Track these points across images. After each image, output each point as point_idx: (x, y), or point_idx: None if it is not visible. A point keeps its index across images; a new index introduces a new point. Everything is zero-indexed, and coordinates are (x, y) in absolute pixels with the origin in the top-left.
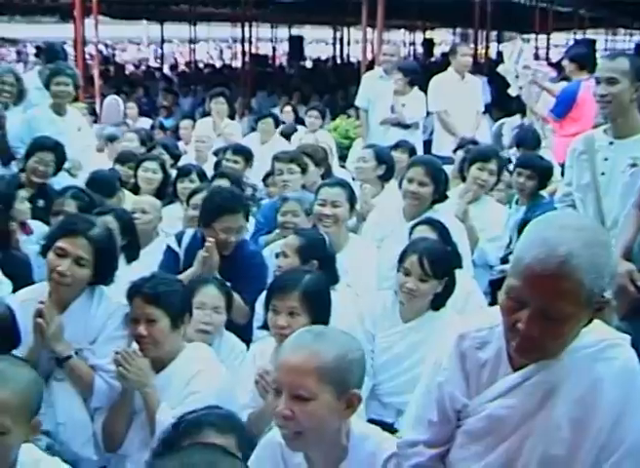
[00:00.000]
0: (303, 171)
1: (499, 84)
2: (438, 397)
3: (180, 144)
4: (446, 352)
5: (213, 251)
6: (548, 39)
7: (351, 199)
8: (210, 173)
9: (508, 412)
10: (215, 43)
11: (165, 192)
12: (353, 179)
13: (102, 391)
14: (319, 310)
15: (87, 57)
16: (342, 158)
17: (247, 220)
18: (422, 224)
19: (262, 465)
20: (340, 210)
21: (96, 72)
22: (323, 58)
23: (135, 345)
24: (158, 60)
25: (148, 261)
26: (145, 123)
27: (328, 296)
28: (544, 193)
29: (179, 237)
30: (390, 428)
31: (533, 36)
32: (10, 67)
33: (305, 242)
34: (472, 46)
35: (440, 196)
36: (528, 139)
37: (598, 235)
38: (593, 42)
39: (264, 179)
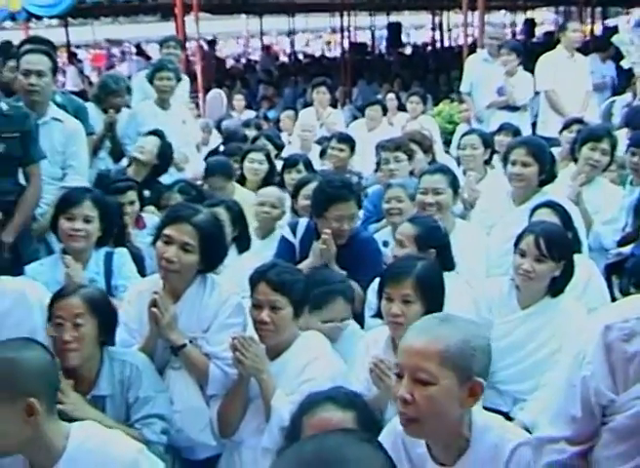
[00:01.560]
0: (410, 158)
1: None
2: (582, 391)
3: (283, 135)
4: (589, 343)
5: (330, 242)
6: None
7: (454, 185)
8: (315, 162)
9: None
10: (313, 34)
11: (271, 182)
12: (458, 164)
13: (218, 378)
14: (433, 297)
15: (189, 53)
16: (447, 143)
17: (359, 208)
18: (543, 207)
19: None
20: (443, 197)
21: (198, 68)
22: (421, 43)
23: (251, 331)
24: (259, 53)
25: (266, 253)
26: (250, 115)
27: (442, 283)
28: None
29: (293, 227)
30: (506, 416)
31: None
32: (122, 77)
33: (422, 230)
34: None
35: (547, 176)
36: (637, 119)
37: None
38: None
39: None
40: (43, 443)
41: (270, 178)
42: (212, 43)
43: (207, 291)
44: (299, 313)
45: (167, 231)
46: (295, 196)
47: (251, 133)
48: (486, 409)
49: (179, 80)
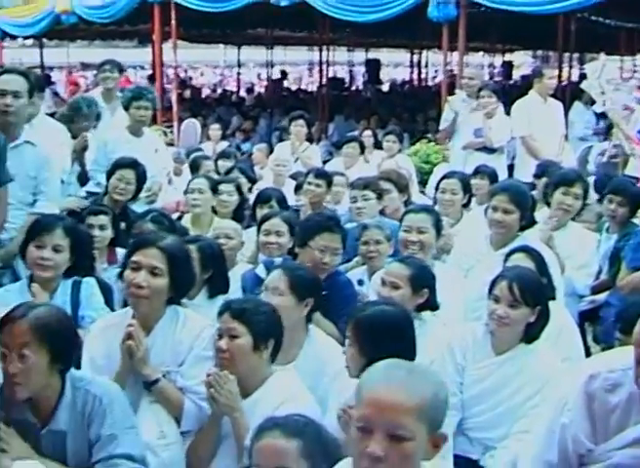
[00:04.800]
0: (380, 197)
1: None
2: (560, 438)
3: (255, 168)
4: (572, 391)
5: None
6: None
7: (437, 225)
8: (289, 196)
9: (637, 463)
10: (291, 66)
11: (242, 215)
12: (434, 205)
13: (192, 414)
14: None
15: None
16: (422, 183)
17: (344, 247)
18: (518, 252)
19: None
20: (426, 236)
21: (174, 96)
22: (399, 81)
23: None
24: (234, 84)
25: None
26: (224, 146)
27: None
28: (636, 221)
29: (268, 265)
30: (475, 465)
31: (617, 58)
32: (93, 100)
33: (415, 270)
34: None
35: (527, 222)
36: (609, 167)
37: None
38: None
39: None
40: None
41: (240, 211)
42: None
43: (179, 323)
44: (260, 345)
45: (134, 258)
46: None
47: (225, 164)
48: (456, 456)
49: (154, 109)
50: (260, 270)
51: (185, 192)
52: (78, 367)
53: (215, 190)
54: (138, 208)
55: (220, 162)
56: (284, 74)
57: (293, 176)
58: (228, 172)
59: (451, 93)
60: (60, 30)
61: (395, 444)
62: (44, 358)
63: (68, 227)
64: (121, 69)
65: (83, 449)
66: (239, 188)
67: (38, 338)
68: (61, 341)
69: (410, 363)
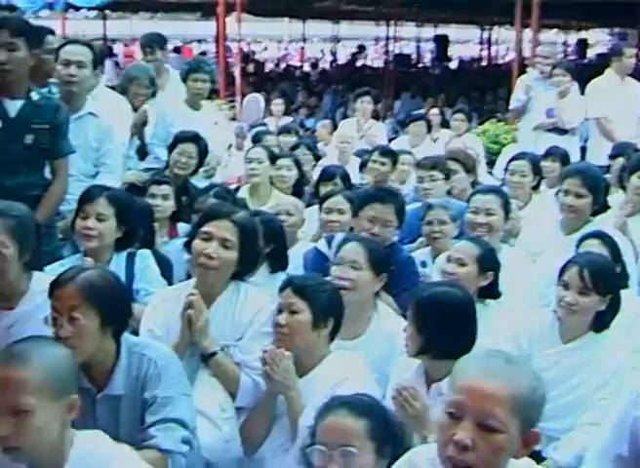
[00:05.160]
0: (447, 177)
1: None
2: (632, 431)
3: (319, 145)
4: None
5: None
6: None
7: (506, 207)
8: (354, 174)
9: None
10: (357, 42)
11: (301, 191)
12: (502, 186)
13: (248, 390)
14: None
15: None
16: (490, 164)
17: (400, 222)
18: (592, 238)
19: None
20: (495, 218)
21: (237, 70)
22: (468, 58)
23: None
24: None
25: (289, 266)
26: (287, 121)
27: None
28: None
29: (329, 240)
30: (538, 456)
31: None
32: (146, 67)
33: (484, 251)
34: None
35: (600, 207)
36: None
37: None
38: None
39: None
40: (59, 446)
41: (300, 187)
42: None
43: (240, 298)
44: (319, 324)
45: (206, 228)
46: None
47: (287, 139)
48: None
49: (213, 82)
50: (322, 245)
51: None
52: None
53: (273, 163)
54: (196, 182)
55: (281, 137)
56: (362, 48)
57: (357, 154)
58: (294, 148)
59: (522, 71)
60: (123, 2)
61: (484, 434)
62: (94, 320)
63: (113, 196)
64: (161, 46)
65: (136, 415)
66: (298, 163)
67: (87, 300)
68: (112, 303)
69: (510, 354)
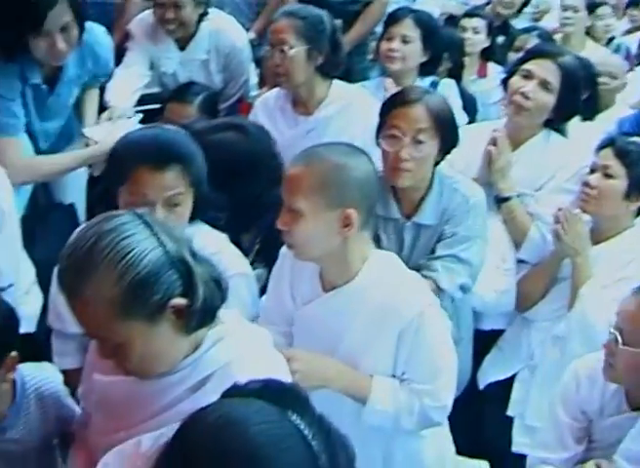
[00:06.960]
0: None
1: None
2: None
3: None
4: None
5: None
6: None
7: None
8: None
9: None
10: None
11: None
12: None
13: (535, 243)
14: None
15: None
16: None
17: None
18: None
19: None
20: None
21: None
22: None
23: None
24: None
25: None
26: None
27: None
28: None
29: None
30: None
31: None
32: None
33: None
34: None
35: None
36: None
37: None
38: None
39: None
40: (344, 259)
41: None
42: None
43: (549, 147)
44: (632, 195)
45: (528, 66)
46: None
47: None
48: None
49: None
50: None
51: None
52: None
53: (592, 11)
54: (520, 23)
55: None
56: None
57: None
58: None
59: None
60: None
61: None
62: (435, 147)
63: (419, 19)
64: None
65: (430, 244)
66: None
67: (435, 126)
68: (450, 133)
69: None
